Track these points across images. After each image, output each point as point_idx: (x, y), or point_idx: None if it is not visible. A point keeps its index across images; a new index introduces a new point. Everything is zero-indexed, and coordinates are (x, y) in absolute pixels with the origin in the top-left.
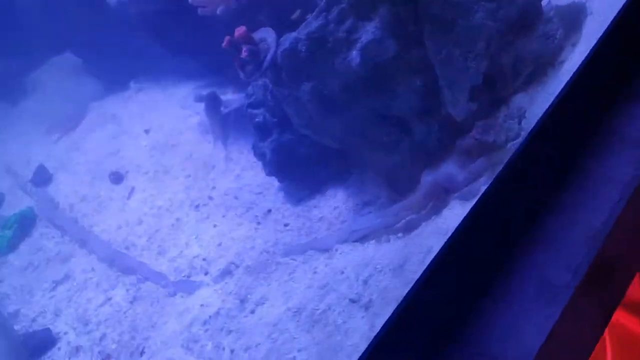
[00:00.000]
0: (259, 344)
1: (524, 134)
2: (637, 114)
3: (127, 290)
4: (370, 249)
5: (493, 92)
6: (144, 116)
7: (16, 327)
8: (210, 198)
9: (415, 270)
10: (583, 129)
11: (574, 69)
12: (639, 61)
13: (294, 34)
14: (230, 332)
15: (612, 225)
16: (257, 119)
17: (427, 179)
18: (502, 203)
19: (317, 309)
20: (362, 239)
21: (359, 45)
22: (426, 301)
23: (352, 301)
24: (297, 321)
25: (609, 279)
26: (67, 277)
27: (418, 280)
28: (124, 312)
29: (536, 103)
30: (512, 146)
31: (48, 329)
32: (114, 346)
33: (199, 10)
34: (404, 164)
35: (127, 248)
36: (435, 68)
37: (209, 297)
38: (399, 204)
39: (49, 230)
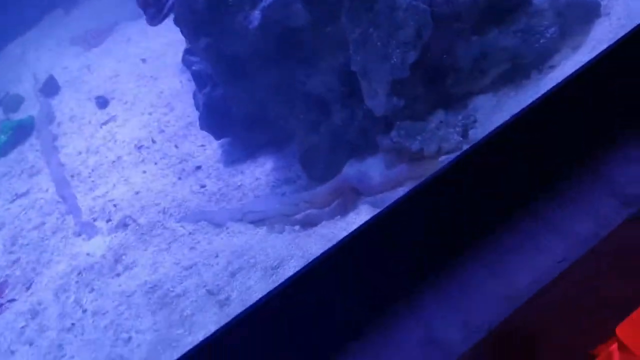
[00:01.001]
0: (107, 312)
1: (466, 148)
2: (624, 167)
3: (57, 219)
4: (257, 236)
5: (439, 89)
6: (151, 44)
7: None
8: (154, 142)
9: (287, 275)
10: (546, 162)
11: (563, 78)
12: None
13: None
14: (92, 290)
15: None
16: (193, 67)
17: (342, 172)
18: (405, 230)
19: (172, 291)
20: (258, 221)
21: (262, 4)
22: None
23: (210, 293)
24: (149, 299)
25: (514, 351)
26: (26, 193)
27: (272, 297)
28: (43, 241)
29: (501, 110)
30: (445, 160)
31: None
32: (17, 272)
33: None
34: (321, 147)
35: (72, 176)
36: (350, 50)
37: (97, 247)
38: (302, 194)
39: (37, 141)
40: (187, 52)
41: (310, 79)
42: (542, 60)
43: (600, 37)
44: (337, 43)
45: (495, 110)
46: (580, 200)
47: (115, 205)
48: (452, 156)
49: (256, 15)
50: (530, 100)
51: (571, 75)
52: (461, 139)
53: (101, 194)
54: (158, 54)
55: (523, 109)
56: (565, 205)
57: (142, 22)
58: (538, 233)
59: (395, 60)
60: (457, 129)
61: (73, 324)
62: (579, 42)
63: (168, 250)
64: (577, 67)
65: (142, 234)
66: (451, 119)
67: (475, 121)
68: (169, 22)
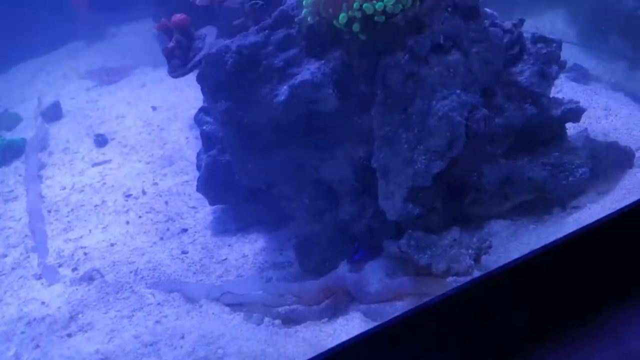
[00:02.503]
0: None
1: (476, 274)
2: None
3: (21, 254)
4: (231, 323)
5: (457, 205)
6: (166, 95)
7: None
8: (144, 193)
9: None
10: (557, 307)
11: (587, 223)
12: None
13: (225, 42)
14: (37, 347)
15: None
16: (204, 127)
17: (337, 270)
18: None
19: None
20: (236, 305)
21: (291, 81)
22: None
23: None
24: None
25: None
26: None
27: None
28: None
29: (518, 241)
30: (453, 283)
31: None
32: None
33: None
34: (321, 239)
35: (49, 211)
36: (374, 145)
37: (54, 298)
38: (290, 285)
39: (23, 166)
40: (201, 110)
41: (324, 164)
42: (567, 198)
43: (631, 187)
44: (360, 135)
45: (511, 239)
46: (588, 355)
47: (85, 254)
48: (460, 279)
49: (284, 90)
50: (549, 237)
51: (598, 221)
52: (473, 262)
53: (74, 238)
54: (170, 105)
55: (540, 249)
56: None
57: (162, 71)
58: None
59: (419, 166)
60: (470, 252)
61: None
62: (608, 189)
63: (130, 319)
64: (603, 213)
65: (107, 293)
66: (465, 239)
67: (490, 247)
68: (190, 77)
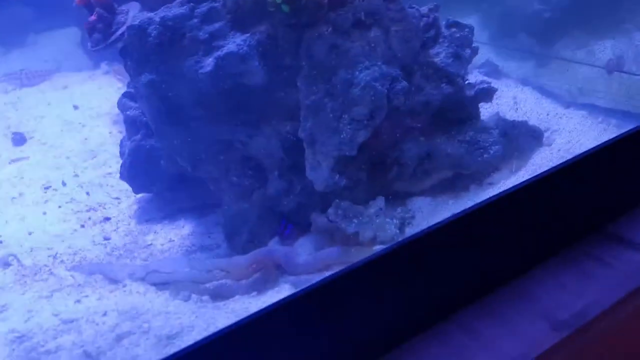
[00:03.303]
0: None
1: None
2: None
3: None
4: (157, 300)
5: (380, 179)
6: (88, 94)
7: None
8: (64, 184)
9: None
10: (479, 273)
11: (503, 190)
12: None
13: (149, 15)
14: None
15: None
16: (128, 112)
17: (266, 245)
18: (318, 318)
19: (42, 346)
20: (161, 284)
21: (217, 53)
22: None
23: (87, 355)
24: (12, 350)
25: None
26: None
27: None
28: None
29: (438, 216)
30: (378, 250)
31: None
32: None
33: None
34: (250, 216)
35: None
36: (300, 115)
37: None
38: (217, 260)
39: None
40: (125, 95)
41: (252, 140)
42: (482, 175)
43: (541, 163)
44: (287, 110)
45: (432, 214)
46: (511, 320)
47: (1, 242)
48: (385, 247)
49: (209, 62)
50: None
51: (510, 189)
52: (398, 231)
53: None
54: (93, 104)
55: (463, 211)
56: (496, 323)
57: (86, 74)
58: (468, 347)
59: (344, 135)
60: (395, 221)
61: None
62: (519, 166)
63: (49, 299)
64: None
65: (24, 275)
66: (390, 210)
67: (413, 217)
68: (111, 78)
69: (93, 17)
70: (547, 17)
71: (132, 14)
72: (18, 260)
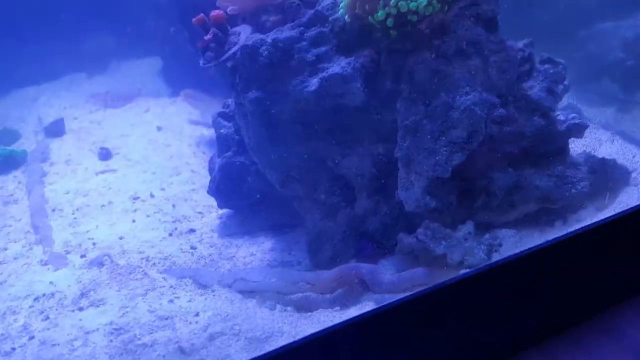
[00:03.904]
0: (57, 344)
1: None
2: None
3: (22, 247)
4: (245, 306)
5: (467, 207)
6: (170, 117)
7: None
8: (152, 196)
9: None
10: (569, 302)
11: (590, 223)
12: None
13: (261, 36)
14: (47, 318)
15: None
16: (221, 130)
17: (351, 261)
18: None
19: (140, 339)
20: (248, 292)
21: (322, 74)
22: None
23: (182, 351)
24: (110, 341)
25: None
26: None
27: None
28: (2, 265)
29: (523, 247)
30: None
31: None
32: None
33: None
34: (335, 235)
35: (53, 210)
36: (398, 135)
37: (63, 279)
38: (303, 273)
39: (23, 175)
40: (219, 115)
41: (344, 159)
42: (568, 211)
43: (628, 202)
44: (380, 132)
45: (517, 245)
46: (595, 353)
47: (94, 244)
48: (474, 269)
49: (314, 82)
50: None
51: (597, 223)
52: (485, 257)
53: (81, 232)
54: (175, 126)
55: (555, 239)
56: (584, 353)
57: (166, 100)
58: None
59: (440, 157)
60: (483, 247)
61: (13, 349)
62: (606, 204)
63: (144, 297)
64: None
65: (119, 274)
66: (479, 236)
67: (500, 245)
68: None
69: (208, 36)
70: (630, 64)
71: (244, 36)
72: (112, 261)
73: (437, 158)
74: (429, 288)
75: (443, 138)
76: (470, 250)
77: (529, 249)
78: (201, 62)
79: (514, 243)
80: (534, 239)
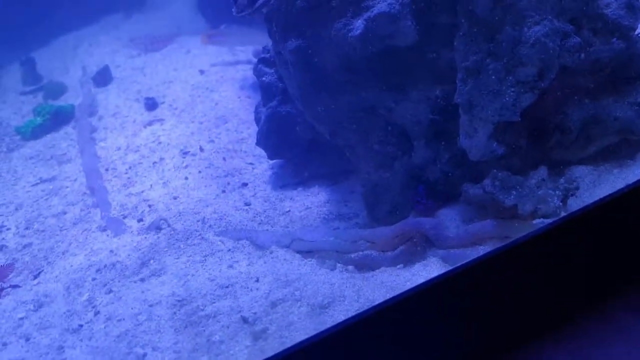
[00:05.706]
0: (123, 319)
1: (564, 215)
2: None
3: (81, 210)
4: (304, 268)
5: (540, 147)
6: (212, 59)
7: None
8: (202, 150)
9: (337, 319)
10: None
11: None
12: None
13: None
14: (110, 291)
15: None
16: (264, 78)
17: (408, 216)
18: (478, 296)
19: (202, 310)
20: (306, 252)
21: (367, 14)
22: None
23: (245, 321)
24: (174, 313)
25: None
26: (51, 179)
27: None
28: (61, 230)
29: (601, 185)
30: (539, 224)
31: None
32: (27, 258)
33: None
34: (392, 186)
35: (106, 170)
36: (457, 78)
37: (122, 246)
38: (362, 231)
39: (73, 131)
40: (260, 61)
41: (398, 106)
42: None
43: None
44: (437, 73)
45: (596, 185)
46: None
47: (150, 206)
48: (547, 221)
49: (359, 24)
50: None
51: None
52: (560, 204)
53: (136, 193)
54: (217, 69)
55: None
56: None
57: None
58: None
59: (507, 99)
60: (558, 193)
61: (81, 326)
62: None
63: (203, 264)
64: None
65: (177, 240)
66: (553, 180)
67: (577, 188)
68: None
69: None
70: None
71: None
72: (169, 225)
73: (503, 101)
74: (505, 245)
75: (510, 78)
76: (544, 198)
77: (600, 200)
78: (234, 10)
79: (591, 181)
80: (614, 174)
